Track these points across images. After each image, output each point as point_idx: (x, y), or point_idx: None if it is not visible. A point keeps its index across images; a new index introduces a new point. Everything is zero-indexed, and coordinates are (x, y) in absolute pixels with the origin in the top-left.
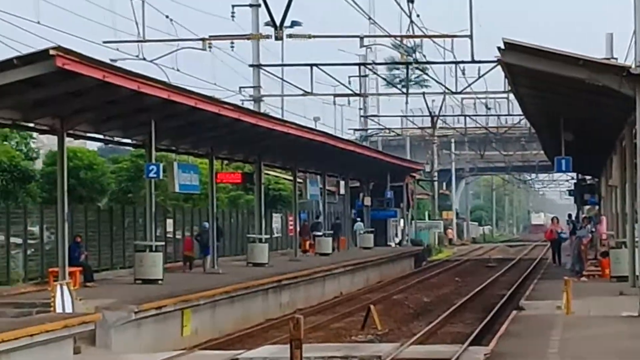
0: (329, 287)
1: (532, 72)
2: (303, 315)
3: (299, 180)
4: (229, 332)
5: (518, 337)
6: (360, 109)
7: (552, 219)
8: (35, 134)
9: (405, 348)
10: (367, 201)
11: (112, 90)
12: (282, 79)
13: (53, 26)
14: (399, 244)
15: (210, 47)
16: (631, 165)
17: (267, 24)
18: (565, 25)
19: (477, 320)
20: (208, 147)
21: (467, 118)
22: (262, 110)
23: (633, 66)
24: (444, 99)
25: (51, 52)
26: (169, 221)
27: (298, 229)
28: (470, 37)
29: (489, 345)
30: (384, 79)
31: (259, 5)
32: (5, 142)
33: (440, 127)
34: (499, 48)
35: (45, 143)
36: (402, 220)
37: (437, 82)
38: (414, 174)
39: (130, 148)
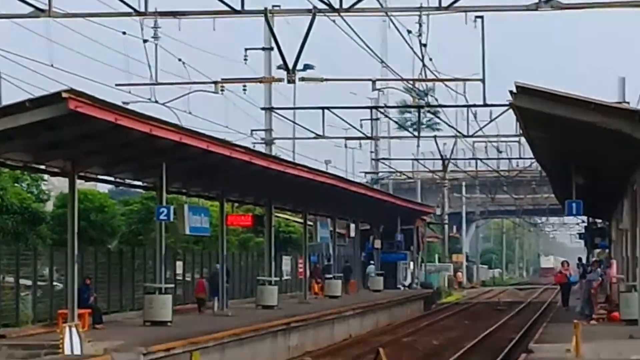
0: (338, 330)
1: (543, 115)
2: (312, 358)
3: (309, 222)
4: None
5: None
6: (371, 152)
7: (562, 263)
8: (46, 176)
9: None
10: (378, 244)
11: (124, 133)
12: (293, 121)
13: (66, 69)
14: (409, 286)
15: (222, 90)
16: None
17: (279, 67)
18: (579, 68)
19: None
20: (219, 190)
21: (478, 161)
22: (273, 153)
23: None
24: (455, 142)
25: (63, 94)
26: (179, 263)
27: (308, 271)
28: (483, 80)
29: None
30: (396, 122)
31: (272, 49)
32: (16, 184)
33: (452, 171)
34: (510, 92)
35: (56, 185)
36: (412, 263)
37: (448, 125)
38: (424, 217)
39: (141, 190)
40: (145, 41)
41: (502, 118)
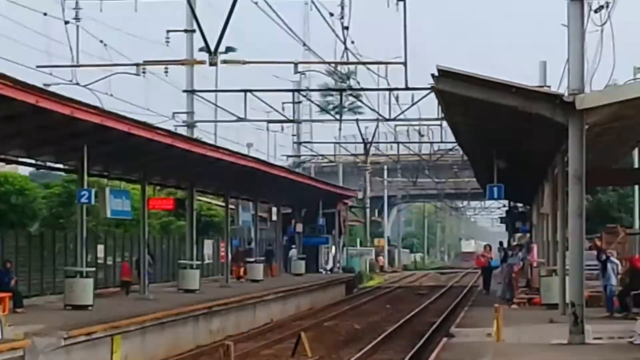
0: (259, 314)
1: (465, 99)
2: (233, 342)
3: (231, 206)
4: (159, 359)
5: None
6: (293, 135)
7: (485, 247)
8: None
9: None
10: (299, 228)
11: (45, 115)
12: (215, 104)
13: None
14: (331, 270)
15: (144, 72)
16: (562, 193)
17: (201, 50)
18: (501, 52)
19: (407, 347)
20: (141, 173)
21: (400, 145)
22: (195, 136)
23: (566, 94)
24: (377, 126)
25: None
26: (100, 247)
27: (230, 255)
28: (405, 64)
29: None
30: (318, 106)
31: (194, 31)
32: None
33: (373, 154)
34: (432, 75)
35: None
36: (334, 247)
37: (370, 109)
38: (346, 201)
39: (62, 173)
40: (66, 22)
41: (424, 101)
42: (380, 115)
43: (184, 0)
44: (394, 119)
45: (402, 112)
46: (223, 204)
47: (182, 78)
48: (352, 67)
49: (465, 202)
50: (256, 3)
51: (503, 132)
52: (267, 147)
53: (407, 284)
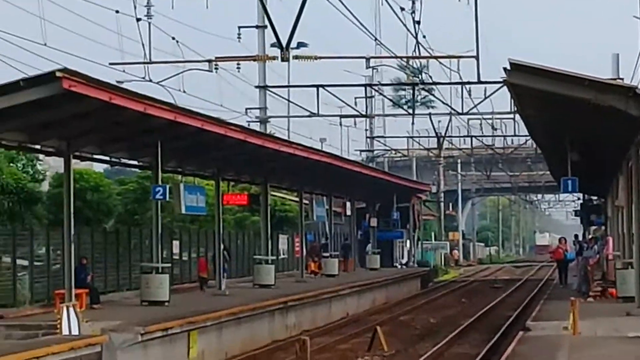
0: (335, 309)
1: (538, 92)
2: (309, 337)
3: (305, 201)
4: (235, 354)
5: (524, 358)
6: (366, 130)
7: (560, 239)
8: (41, 156)
9: None
10: (374, 222)
11: (118, 112)
12: (288, 100)
13: (59, 48)
14: (406, 264)
15: (216, 68)
16: (637, 185)
17: (273, 45)
18: (574, 45)
19: (483, 341)
20: (214, 169)
21: (474, 139)
22: (268, 132)
23: (639, 86)
24: (450, 120)
25: (57, 74)
26: (175, 243)
27: (304, 250)
28: (477, 57)
29: None
30: (390, 100)
31: (266, 27)
32: (11, 164)
33: (447, 148)
34: (504, 69)
35: (52, 165)
36: (408, 241)
37: (443, 102)
38: (420, 195)
39: (137, 169)
40: (138, 20)
41: (497, 95)
42: (452, 109)
43: None
44: (467, 113)
45: (475, 106)
46: (297, 199)
47: (254, 74)
48: (424, 61)
49: (539, 195)
50: None
51: (576, 124)
52: (340, 142)
53: (482, 277)
